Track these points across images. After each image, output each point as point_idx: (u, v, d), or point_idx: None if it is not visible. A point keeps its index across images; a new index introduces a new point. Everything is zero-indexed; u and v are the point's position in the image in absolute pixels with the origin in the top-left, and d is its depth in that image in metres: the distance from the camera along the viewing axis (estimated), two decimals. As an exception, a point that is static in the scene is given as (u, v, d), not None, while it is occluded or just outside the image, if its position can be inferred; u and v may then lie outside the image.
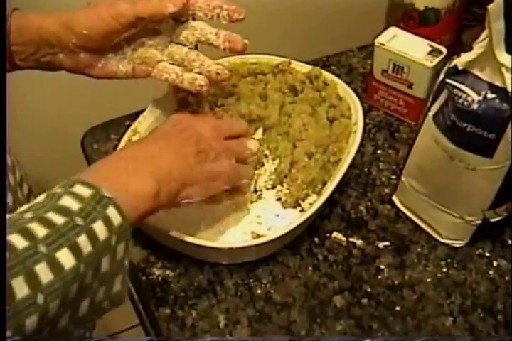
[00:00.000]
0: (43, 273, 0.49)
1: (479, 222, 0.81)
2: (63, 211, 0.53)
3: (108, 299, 0.59)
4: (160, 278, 0.83)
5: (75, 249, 0.52)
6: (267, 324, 0.79)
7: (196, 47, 0.80)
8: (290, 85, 0.93)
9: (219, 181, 0.74)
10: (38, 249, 0.50)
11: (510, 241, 0.86)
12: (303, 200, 0.84)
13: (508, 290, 0.82)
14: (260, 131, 0.92)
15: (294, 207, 0.85)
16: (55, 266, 0.50)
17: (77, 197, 0.55)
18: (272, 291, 0.82)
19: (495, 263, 0.84)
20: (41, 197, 0.56)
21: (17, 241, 0.49)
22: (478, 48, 0.68)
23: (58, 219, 0.53)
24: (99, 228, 0.54)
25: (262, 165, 0.89)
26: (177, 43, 0.79)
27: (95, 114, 1.02)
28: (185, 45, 0.78)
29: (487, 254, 0.85)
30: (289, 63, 0.93)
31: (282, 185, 0.87)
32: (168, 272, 0.84)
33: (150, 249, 0.86)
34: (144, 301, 0.82)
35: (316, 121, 0.89)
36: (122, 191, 0.59)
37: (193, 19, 0.78)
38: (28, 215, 0.52)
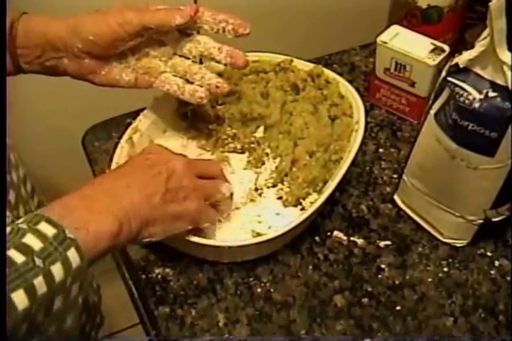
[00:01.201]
0: None
1: (481, 221, 0.80)
2: (25, 249, 0.53)
3: (59, 334, 0.59)
4: (160, 276, 0.83)
5: (30, 291, 0.52)
6: (266, 323, 0.79)
7: (201, 62, 0.81)
8: (292, 83, 0.92)
9: (182, 221, 0.71)
10: None
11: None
12: (304, 199, 0.84)
13: (510, 290, 0.81)
14: (261, 129, 0.91)
15: (295, 206, 0.84)
16: (9, 306, 0.51)
17: (41, 235, 0.55)
18: (272, 290, 0.81)
19: (497, 263, 0.84)
20: (7, 230, 0.55)
21: None
22: (479, 46, 0.67)
23: (19, 258, 0.53)
24: (57, 270, 0.55)
25: (263, 163, 0.89)
26: (180, 56, 0.80)
27: (96, 112, 1.02)
28: (188, 58, 0.80)
29: (489, 254, 0.85)
30: (291, 61, 0.93)
31: (283, 184, 0.86)
32: (167, 271, 0.83)
33: (150, 247, 0.85)
34: (144, 300, 0.82)
35: (318, 119, 0.89)
36: (83, 230, 0.59)
37: (198, 33, 0.79)
38: None
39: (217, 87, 0.78)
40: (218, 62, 0.78)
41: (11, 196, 0.74)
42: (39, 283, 0.53)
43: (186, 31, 0.79)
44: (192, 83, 0.79)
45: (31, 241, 0.54)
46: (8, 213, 0.67)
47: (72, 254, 0.56)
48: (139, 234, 0.67)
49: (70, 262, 0.56)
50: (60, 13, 0.75)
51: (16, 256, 0.53)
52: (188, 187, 0.71)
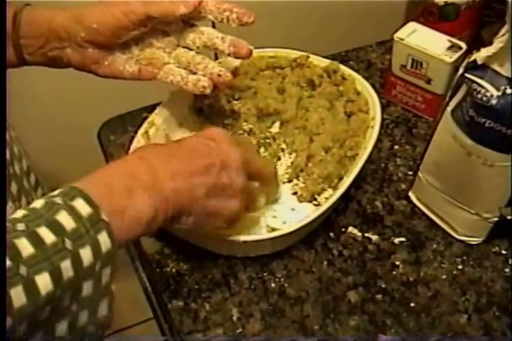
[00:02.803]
0: (17, 297, 0.48)
1: (496, 219, 0.80)
2: (56, 228, 0.52)
3: (93, 323, 0.57)
4: (174, 270, 0.83)
5: (56, 275, 0.51)
6: (280, 318, 0.79)
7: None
8: (308, 79, 0.92)
9: (219, 219, 0.69)
10: (18, 270, 0.48)
11: (527, 240, 0.85)
12: (319, 195, 0.84)
13: (524, 288, 0.81)
14: (277, 124, 0.92)
15: (310, 202, 0.84)
16: (31, 290, 0.49)
17: (75, 214, 0.53)
18: (285, 285, 0.81)
19: (511, 261, 0.83)
20: (40, 203, 0.54)
21: None
22: (498, 43, 0.67)
23: (48, 238, 0.51)
24: (86, 254, 0.53)
25: (279, 158, 0.89)
26: (184, 47, 0.80)
27: (112, 105, 1.02)
28: (191, 50, 0.79)
29: (503, 252, 0.84)
30: (308, 57, 0.93)
31: (298, 179, 0.86)
32: (182, 264, 0.83)
33: (165, 241, 0.86)
34: (158, 293, 0.82)
35: (334, 115, 0.89)
36: (118, 215, 0.57)
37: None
38: (21, 227, 0.51)
39: (219, 75, 0.78)
40: (222, 52, 0.77)
41: (13, 188, 0.73)
42: (66, 266, 0.51)
43: (190, 22, 0.79)
44: (195, 74, 0.79)
45: (65, 219, 0.52)
46: (10, 204, 0.67)
47: (104, 238, 0.54)
48: (171, 222, 0.65)
49: (100, 246, 0.54)
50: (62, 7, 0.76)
51: (46, 234, 0.51)
52: (237, 186, 0.68)
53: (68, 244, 0.52)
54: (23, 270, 0.49)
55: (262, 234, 0.80)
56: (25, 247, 0.49)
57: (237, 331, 0.78)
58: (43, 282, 0.50)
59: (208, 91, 0.78)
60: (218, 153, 0.67)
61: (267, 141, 0.90)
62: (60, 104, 1.18)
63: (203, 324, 0.78)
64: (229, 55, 0.78)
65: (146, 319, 1.57)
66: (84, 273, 0.53)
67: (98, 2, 0.75)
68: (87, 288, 0.55)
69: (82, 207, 0.54)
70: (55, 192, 0.55)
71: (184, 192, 0.64)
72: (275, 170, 0.79)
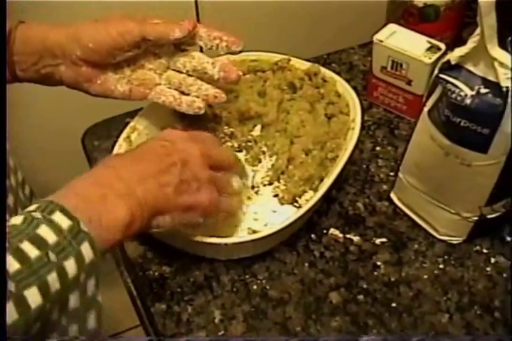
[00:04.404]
0: (9, 312, 0.49)
1: (476, 218, 0.80)
2: (39, 243, 0.53)
3: (82, 335, 0.58)
4: (157, 273, 0.83)
5: (44, 288, 0.52)
6: (262, 320, 0.79)
7: None
8: (289, 82, 0.93)
9: (194, 213, 0.70)
10: (8, 287, 0.49)
11: (508, 238, 0.86)
12: (300, 197, 0.85)
13: (506, 287, 0.81)
14: (259, 127, 0.92)
15: (291, 204, 0.85)
16: (22, 305, 0.50)
17: (55, 228, 0.54)
18: (268, 287, 0.82)
19: (493, 260, 0.84)
20: (19, 219, 0.54)
21: None
22: (471, 43, 0.68)
23: (32, 252, 0.52)
24: (70, 265, 0.54)
25: (260, 161, 0.89)
26: (174, 70, 0.81)
27: (96, 111, 1.02)
28: (181, 73, 0.80)
29: (485, 251, 0.85)
30: (289, 60, 0.94)
31: (279, 182, 0.87)
32: (164, 268, 0.84)
33: (147, 245, 0.86)
34: (141, 297, 0.83)
35: (314, 118, 0.89)
36: (96, 222, 0.58)
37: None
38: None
39: (215, 97, 0.80)
40: (211, 76, 0.78)
41: (10, 200, 0.74)
42: (53, 279, 0.52)
43: (181, 46, 0.80)
44: (187, 95, 0.80)
45: (46, 233, 0.53)
46: (7, 217, 0.67)
47: (86, 249, 0.55)
48: (149, 224, 0.67)
49: (84, 257, 0.55)
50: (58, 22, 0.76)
51: (29, 249, 0.52)
52: (202, 179, 0.70)
53: (52, 256, 0.53)
54: (11, 286, 0.49)
55: (244, 237, 0.80)
56: (11, 264, 0.50)
57: (220, 333, 0.78)
58: (32, 296, 0.51)
59: (202, 111, 0.80)
60: (176, 152, 0.69)
61: (249, 144, 0.91)
62: (47, 110, 1.18)
63: (186, 326, 0.79)
64: (218, 79, 0.79)
65: (136, 325, 1.58)
66: (69, 285, 0.54)
67: (94, 20, 0.75)
68: (73, 300, 0.56)
69: (62, 220, 0.55)
70: (32, 207, 0.56)
71: (155, 193, 0.65)
72: (233, 157, 0.81)
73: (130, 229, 0.62)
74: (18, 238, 0.52)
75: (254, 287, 0.82)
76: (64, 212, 0.56)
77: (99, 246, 0.58)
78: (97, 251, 0.57)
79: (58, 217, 0.55)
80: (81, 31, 0.74)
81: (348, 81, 0.92)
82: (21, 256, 0.51)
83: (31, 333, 0.52)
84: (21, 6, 0.89)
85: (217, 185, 0.73)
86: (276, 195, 0.86)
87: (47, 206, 0.56)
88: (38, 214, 0.55)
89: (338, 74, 0.93)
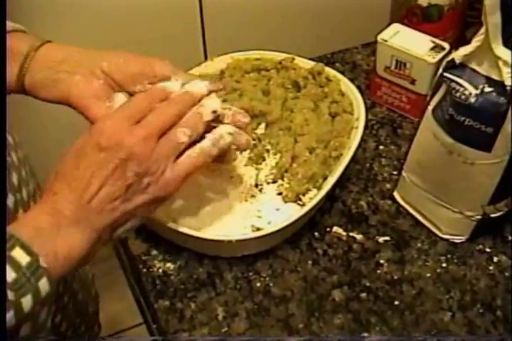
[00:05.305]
0: None
1: (479, 217, 0.81)
2: None
3: None
4: (160, 270, 0.84)
5: None
6: (265, 317, 0.79)
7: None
8: (293, 81, 0.93)
9: (158, 202, 0.65)
10: None
11: (510, 237, 0.86)
12: (303, 195, 0.84)
13: (508, 286, 0.81)
14: (263, 126, 0.92)
15: (295, 202, 0.85)
16: None
17: (14, 265, 0.53)
18: (270, 285, 0.82)
19: (495, 259, 0.84)
20: None
21: None
22: (475, 42, 0.68)
23: None
24: (27, 301, 0.54)
25: (264, 159, 0.89)
26: None
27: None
28: None
29: (487, 250, 0.85)
30: (293, 59, 0.94)
31: (283, 180, 0.87)
32: (168, 265, 0.84)
33: (151, 242, 0.86)
34: (144, 293, 0.83)
35: (318, 116, 0.90)
36: (52, 257, 0.57)
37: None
38: None
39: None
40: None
41: (14, 178, 0.70)
42: (9, 317, 0.52)
43: None
44: None
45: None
46: (10, 196, 0.66)
47: (43, 284, 0.55)
48: (112, 237, 0.64)
49: (40, 291, 0.55)
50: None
51: None
52: (153, 168, 0.62)
53: (10, 295, 0.52)
54: None
55: (247, 234, 0.80)
56: None
57: (223, 330, 0.78)
58: None
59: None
60: (113, 150, 0.61)
61: (253, 142, 0.91)
62: (52, 108, 1.18)
63: (189, 323, 0.79)
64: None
65: (137, 324, 1.59)
66: (24, 319, 0.55)
67: None
68: (25, 329, 0.57)
69: (21, 257, 0.54)
70: None
71: (108, 212, 0.61)
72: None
73: (89, 254, 0.61)
74: None
75: (258, 284, 0.82)
76: (24, 247, 0.55)
77: (57, 277, 0.57)
78: (54, 283, 0.56)
79: (17, 253, 0.54)
80: (116, 51, 0.72)
81: (351, 80, 0.92)
82: None
83: None
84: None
85: (176, 151, 0.64)
86: (279, 193, 0.86)
87: (7, 241, 0.55)
88: None
89: (342, 73, 0.93)
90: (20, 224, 0.59)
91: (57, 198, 0.60)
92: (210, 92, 0.69)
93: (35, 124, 1.16)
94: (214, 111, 0.67)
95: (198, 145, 0.66)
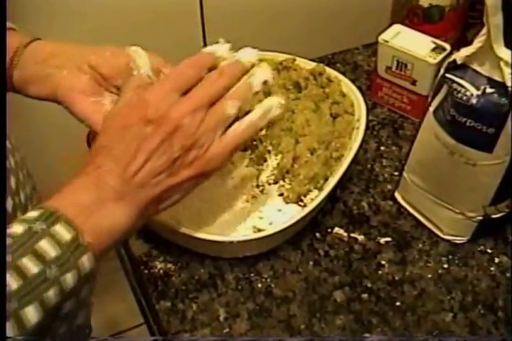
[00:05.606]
0: (9, 330, 0.49)
1: (480, 218, 0.81)
2: (39, 258, 0.51)
3: (69, 333, 0.59)
4: (161, 271, 0.83)
5: (43, 304, 0.51)
6: (266, 318, 0.79)
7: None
8: (294, 82, 0.93)
9: (203, 177, 0.64)
10: (7, 305, 0.49)
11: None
12: (305, 196, 0.85)
13: (509, 286, 0.81)
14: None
15: (296, 203, 0.85)
16: (21, 322, 0.49)
17: (56, 241, 0.53)
18: (272, 285, 0.82)
19: (496, 260, 0.84)
20: (20, 230, 0.53)
21: None
22: (477, 43, 0.68)
23: (32, 268, 0.51)
24: (70, 278, 0.53)
25: (265, 160, 0.89)
26: None
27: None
28: None
29: (489, 251, 0.85)
30: (294, 60, 0.94)
31: (284, 181, 0.87)
32: (169, 266, 0.84)
33: (152, 242, 0.86)
34: (146, 294, 0.83)
35: (319, 117, 0.90)
36: (94, 234, 0.56)
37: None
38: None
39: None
40: None
41: (12, 182, 0.69)
42: (53, 294, 0.51)
43: None
44: None
45: (46, 247, 0.52)
46: (9, 200, 0.66)
47: (85, 260, 0.54)
48: (157, 211, 0.63)
49: (82, 270, 0.54)
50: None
51: (29, 266, 0.51)
52: (200, 141, 0.61)
53: (53, 271, 0.52)
54: (11, 304, 0.49)
55: (249, 235, 0.80)
56: (11, 281, 0.50)
57: (224, 331, 0.78)
58: (31, 314, 0.50)
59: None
60: (158, 127, 0.60)
61: (254, 143, 0.91)
62: (51, 108, 1.18)
63: (190, 324, 0.79)
64: None
65: (138, 324, 1.59)
66: (67, 297, 0.54)
67: None
68: (68, 306, 0.56)
69: (63, 232, 0.53)
70: (35, 215, 0.54)
71: (151, 183, 0.60)
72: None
73: (131, 230, 0.61)
74: (18, 252, 0.51)
75: (259, 285, 0.82)
76: (66, 223, 0.54)
77: (100, 253, 0.56)
78: (96, 261, 0.55)
79: (60, 230, 0.53)
80: (103, 45, 0.71)
81: (352, 81, 0.92)
82: (21, 273, 0.50)
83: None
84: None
85: (220, 125, 0.63)
86: (281, 194, 0.86)
87: (49, 216, 0.54)
88: (39, 225, 0.53)
89: (343, 74, 0.93)
90: (63, 198, 0.58)
91: (100, 172, 0.59)
92: (260, 61, 0.66)
93: (29, 125, 1.16)
94: (265, 82, 0.65)
95: (248, 118, 0.65)
